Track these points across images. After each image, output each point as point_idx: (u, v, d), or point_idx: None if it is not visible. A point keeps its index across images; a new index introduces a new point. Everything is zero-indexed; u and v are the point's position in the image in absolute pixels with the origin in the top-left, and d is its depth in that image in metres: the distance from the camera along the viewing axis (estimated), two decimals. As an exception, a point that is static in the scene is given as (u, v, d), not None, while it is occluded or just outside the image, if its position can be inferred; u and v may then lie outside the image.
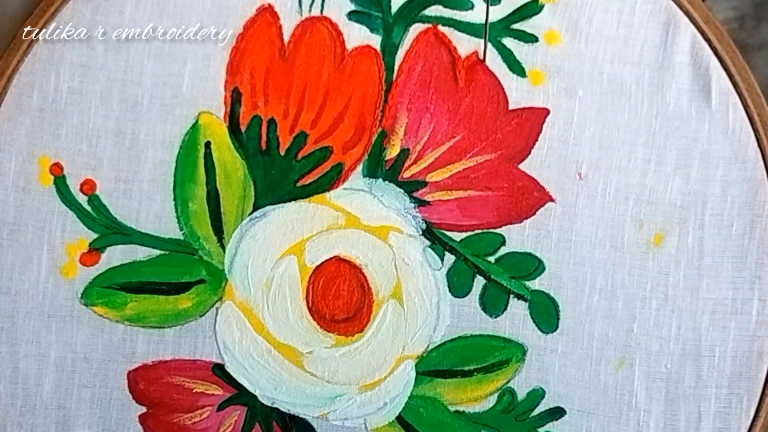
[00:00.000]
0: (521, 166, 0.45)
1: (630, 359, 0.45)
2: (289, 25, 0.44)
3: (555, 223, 0.45)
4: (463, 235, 0.45)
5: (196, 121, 0.44)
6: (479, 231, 0.45)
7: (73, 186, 0.44)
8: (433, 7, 0.44)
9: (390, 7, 0.44)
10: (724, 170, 0.45)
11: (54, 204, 0.44)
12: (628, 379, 0.45)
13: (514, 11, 0.45)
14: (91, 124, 0.44)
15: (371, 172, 0.45)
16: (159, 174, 0.44)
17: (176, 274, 0.44)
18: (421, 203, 0.45)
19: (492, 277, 0.45)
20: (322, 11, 0.44)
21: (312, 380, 0.45)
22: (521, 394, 0.45)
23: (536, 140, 0.45)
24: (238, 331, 0.44)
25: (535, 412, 0.45)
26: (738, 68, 0.45)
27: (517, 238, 0.45)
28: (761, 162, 0.45)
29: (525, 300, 0.45)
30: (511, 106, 0.45)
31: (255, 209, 0.44)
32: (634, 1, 0.45)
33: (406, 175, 0.45)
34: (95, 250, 0.44)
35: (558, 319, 0.45)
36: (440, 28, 0.44)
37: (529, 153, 0.45)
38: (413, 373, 0.45)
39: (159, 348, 0.44)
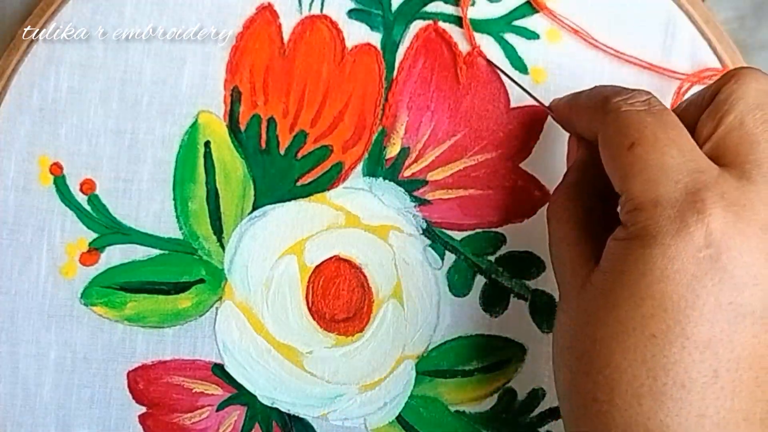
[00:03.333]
0: (522, 165, 0.45)
1: (631, 359, 0.45)
2: (288, 23, 0.44)
3: (556, 223, 0.45)
4: (464, 234, 0.45)
5: (196, 121, 0.44)
6: (480, 230, 0.45)
7: (73, 186, 0.44)
8: (433, 4, 0.44)
9: (390, 4, 0.44)
10: (724, 170, 0.45)
11: (54, 204, 0.44)
12: (629, 378, 0.45)
13: (515, 8, 0.45)
14: (91, 124, 0.44)
15: (371, 171, 0.45)
16: (158, 173, 0.44)
17: (176, 274, 0.44)
18: (421, 202, 0.45)
19: (492, 276, 0.45)
20: (321, 9, 0.44)
21: (312, 380, 0.45)
22: (521, 394, 0.45)
23: (538, 139, 0.45)
24: (238, 330, 0.44)
25: (536, 412, 0.45)
26: (738, 68, 0.45)
27: (518, 237, 0.45)
28: (761, 161, 0.45)
29: (525, 299, 0.45)
30: (513, 104, 0.45)
31: (255, 208, 0.44)
32: (634, 0, 0.45)
33: (407, 173, 0.45)
34: (95, 249, 0.44)
35: (559, 318, 0.45)
36: (440, 24, 0.44)
37: (531, 152, 0.45)
38: (413, 373, 0.45)
39: (158, 348, 0.44)
